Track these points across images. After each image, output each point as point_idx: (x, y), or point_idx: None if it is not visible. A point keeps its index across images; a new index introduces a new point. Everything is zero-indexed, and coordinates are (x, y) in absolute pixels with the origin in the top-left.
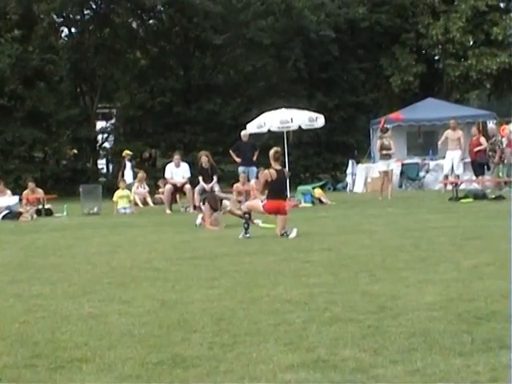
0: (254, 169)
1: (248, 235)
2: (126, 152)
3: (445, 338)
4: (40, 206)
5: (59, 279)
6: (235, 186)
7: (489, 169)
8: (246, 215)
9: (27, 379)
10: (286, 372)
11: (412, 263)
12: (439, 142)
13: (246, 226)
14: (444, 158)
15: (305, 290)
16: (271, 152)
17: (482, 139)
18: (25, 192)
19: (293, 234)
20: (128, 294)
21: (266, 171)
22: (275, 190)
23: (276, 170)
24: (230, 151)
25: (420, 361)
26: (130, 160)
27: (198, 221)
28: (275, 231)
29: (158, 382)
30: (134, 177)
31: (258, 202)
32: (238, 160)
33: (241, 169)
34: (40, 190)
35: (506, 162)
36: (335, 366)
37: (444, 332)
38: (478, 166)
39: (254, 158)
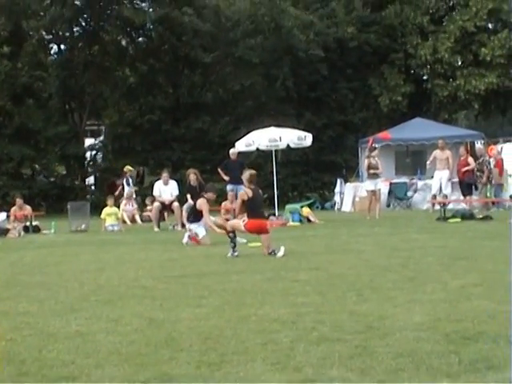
0: (243, 187)
1: (236, 253)
2: (128, 168)
3: (432, 358)
4: (28, 223)
5: (46, 297)
6: (223, 204)
7: (476, 189)
8: (231, 234)
9: None
10: None
11: (400, 283)
12: (428, 162)
13: (232, 244)
14: (432, 177)
15: (292, 309)
16: (247, 175)
17: (470, 159)
18: (13, 208)
19: (280, 253)
20: (115, 312)
21: (242, 191)
22: (254, 209)
23: (252, 189)
24: (218, 169)
25: (407, 381)
26: (131, 176)
27: (185, 240)
28: (262, 250)
29: None
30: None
31: (239, 222)
32: (226, 178)
33: (229, 187)
34: (28, 207)
35: (493, 182)
36: None
37: (431, 352)
38: (466, 186)
39: (243, 177)
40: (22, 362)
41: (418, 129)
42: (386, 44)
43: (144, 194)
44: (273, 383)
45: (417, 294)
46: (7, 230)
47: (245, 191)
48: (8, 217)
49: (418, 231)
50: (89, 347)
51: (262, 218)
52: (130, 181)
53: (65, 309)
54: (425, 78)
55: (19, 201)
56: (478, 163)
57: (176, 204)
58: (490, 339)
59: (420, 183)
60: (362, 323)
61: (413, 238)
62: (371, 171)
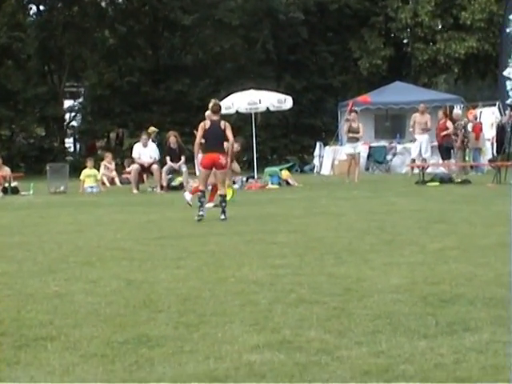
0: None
1: (201, 213)
2: (152, 129)
3: (409, 320)
4: (6, 184)
5: (24, 258)
6: None
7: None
8: (200, 193)
9: None
10: (251, 352)
11: (378, 246)
12: (410, 128)
13: (198, 203)
14: (411, 141)
15: (271, 271)
16: (210, 104)
17: (449, 123)
18: None
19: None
20: (94, 273)
21: (202, 122)
22: (209, 141)
23: (211, 120)
24: (194, 131)
25: (385, 343)
26: (156, 137)
27: (188, 197)
28: (219, 193)
29: (123, 361)
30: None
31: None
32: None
33: None
34: (7, 168)
35: (470, 146)
36: (300, 347)
37: (409, 314)
38: (445, 149)
39: None
40: (0, 322)
41: (397, 92)
42: (367, 7)
43: (123, 155)
44: (251, 344)
45: (394, 257)
46: None
47: (204, 122)
48: None
49: (396, 195)
50: (67, 308)
51: (218, 152)
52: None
53: (43, 270)
54: (405, 41)
55: None
56: (454, 127)
57: (155, 166)
58: (466, 302)
59: (399, 147)
60: (339, 285)
61: (391, 202)
62: (351, 135)
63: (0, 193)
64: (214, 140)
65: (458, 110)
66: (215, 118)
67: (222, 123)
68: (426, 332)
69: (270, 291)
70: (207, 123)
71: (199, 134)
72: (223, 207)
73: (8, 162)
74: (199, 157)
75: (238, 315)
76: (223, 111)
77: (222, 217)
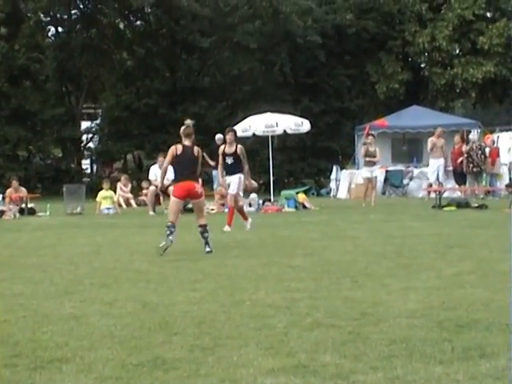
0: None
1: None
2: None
3: (425, 345)
4: (23, 205)
5: (41, 279)
6: (218, 189)
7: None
8: (169, 223)
9: (7, 378)
10: (266, 376)
11: (394, 270)
12: (428, 149)
13: (168, 232)
14: (428, 165)
15: (287, 294)
16: (182, 128)
17: (464, 147)
18: (8, 190)
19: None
20: (110, 295)
21: (173, 146)
22: (182, 169)
23: (183, 146)
24: (204, 155)
25: (400, 368)
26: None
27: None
28: (200, 223)
29: (138, 383)
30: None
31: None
32: (211, 163)
33: (215, 172)
34: (23, 189)
35: (487, 171)
36: (315, 371)
37: (425, 340)
38: (459, 175)
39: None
40: (15, 343)
41: (414, 116)
42: (384, 31)
43: (140, 177)
44: (266, 368)
45: (411, 282)
46: (2, 212)
47: (175, 147)
48: (3, 198)
49: (413, 219)
50: (82, 330)
51: (192, 180)
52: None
53: (59, 291)
54: (422, 65)
55: (15, 183)
56: (466, 152)
57: (172, 188)
58: (483, 327)
59: (416, 171)
60: (355, 309)
61: (408, 226)
62: (368, 158)
63: (17, 213)
64: (187, 167)
65: (473, 135)
66: (187, 143)
67: (196, 149)
68: (442, 357)
69: (286, 315)
70: (179, 148)
71: (167, 159)
72: (206, 238)
73: (25, 183)
74: (165, 183)
75: (254, 339)
76: (240, 134)
77: (207, 249)
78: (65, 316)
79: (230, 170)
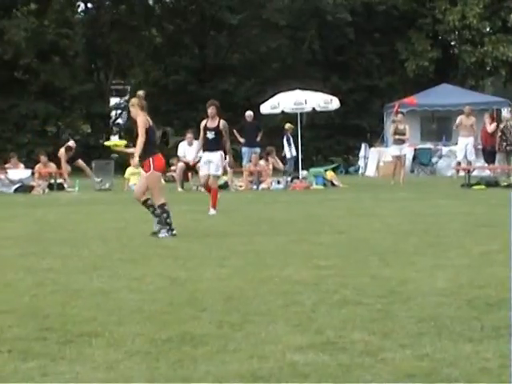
0: (258, 149)
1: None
2: (289, 125)
3: (454, 323)
4: (52, 181)
5: (70, 254)
6: (248, 165)
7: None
8: (165, 207)
9: (37, 352)
10: (294, 353)
11: (422, 248)
12: (454, 127)
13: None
14: (456, 144)
15: (315, 271)
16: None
17: (493, 125)
18: (37, 166)
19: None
20: (138, 270)
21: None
22: (155, 143)
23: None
24: (234, 131)
25: (429, 346)
26: (291, 134)
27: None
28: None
29: (166, 358)
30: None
31: (145, 177)
32: (241, 140)
33: (244, 149)
34: (52, 165)
35: None
36: (344, 348)
37: (454, 318)
38: (489, 153)
39: (258, 139)
40: (45, 317)
41: (444, 95)
42: (414, 9)
43: (169, 154)
44: (295, 344)
45: (439, 260)
46: (32, 187)
47: (146, 119)
48: (33, 174)
49: (442, 197)
50: (111, 305)
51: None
52: (291, 140)
53: (88, 266)
54: (452, 43)
55: (43, 158)
56: (500, 130)
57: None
58: None
59: (445, 149)
60: (384, 287)
61: (436, 204)
62: (397, 136)
63: (46, 189)
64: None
65: (507, 113)
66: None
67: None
68: (471, 336)
69: (314, 292)
70: (150, 120)
71: (143, 132)
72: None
73: (54, 159)
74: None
75: (282, 315)
76: (269, 111)
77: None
78: (93, 291)
79: (211, 146)
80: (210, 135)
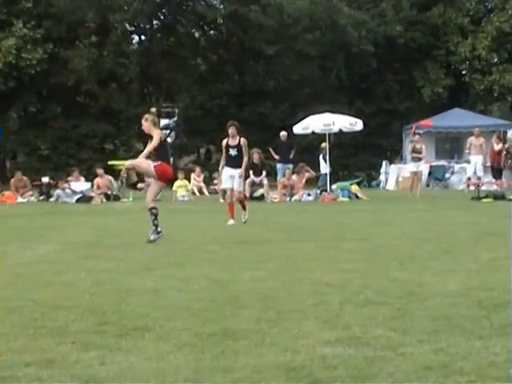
0: (290, 165)
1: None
2: (324, 144)
3: (466, 322)
4: (109, 192)
5: (125, 257)
6: (282, 180)
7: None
8: (154, 210)
9: (96, 343)
10: (324, 347)
11: (436, 254)
12: (466, 150)
13: (156, 222)
14: (467, 161)
15: (341, 274)
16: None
17: (500, 145)
18: (96, 179)
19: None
20: (185, 272)
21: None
22: (166, 153)
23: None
24: (269, 149)
25: (444, 341)
26: (325, 152)
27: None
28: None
29: (210, 351)
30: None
31: (149, 163)
32: (276, 157)
33: (278, 165)
34: (110, 177)
35: None
36: (368, 343)
37: (465, 316)
38: (496, 170)
39: (291, 156)
40: (103, 313)
41: (456, 118)
42: (430, 41)
43: (211, 168)
44: (324, 339)
45: (452, 265)
46: (91, 198)
47: (161, 132)
48: (92, 186)
49: (454, 209)
50: (161, 302)
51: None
52: (326, 157)
53: (141, 268)
54: (464, 72)
55: (100, 171)
56: (506, 149)
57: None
58: None
59: (457, 166)
60: (402, 289)
61: (449, 215)
62: (414, 154)
63: (103, 199)
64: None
65: (511, 135)
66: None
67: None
68: (481, 333)
69: (341, 292)
70: (163, 134)
71: (157, 144)
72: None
73: (111, 173)
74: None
75: (313, 313)
76: (300, 131)
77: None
78: (146, 290)
79: (234, 163)
80: (233, 152)
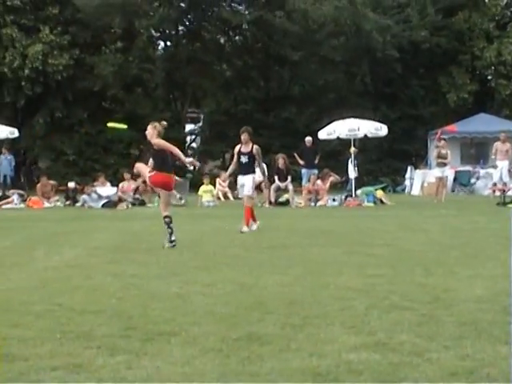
0: (315, 171)
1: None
2: (353, 149)
3: (492, 327)
4: (135, 197)
5: (151, 262)
6: (306, 185)
7: None
8: (167, 219)
9: (122, 348)
10: (349, 352)
11: (462, 260)
12: (492, 155)
13: (169, 230)
14: (493, 166)
15: (366, 279)
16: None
17: None
18: (121, 184)
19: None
20: (210, 277)
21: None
22: (162, 162)
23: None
24: (295, 154)
25: (470, 347)
26: (354, 157)
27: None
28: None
29: (236, 356)
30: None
31: (145, 170)
32: (301, 162)
33: (303, 170)
34: (135, 183)
35: None
36: (393, 348)
37: (492, 322)
38: None
39: (316, 162)
40: (129, 317)
41: (481, 123)
42: (455, 47)
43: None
44: (349, 345)
45: (478, 270)
46: (117, 203)
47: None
48: (118, 191)
49: (479, 214)
50: (187, 307)
51: (169, 174)
52: (355, 162)
53: (166, 273)
54: (489, 77)
55: (127, 175)
56: None
57: (265, 184)
58: None
59: (482, 171)
60: (428, 294)
61: (475, 220)
62: (439, 160)
63: (129, 204)
64: (167, 162)
65: None
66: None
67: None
68: (508, 338)
69: (366, 298)
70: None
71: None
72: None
73: (136, 178)
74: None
75: (338, 318)
76: (325, 137)
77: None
78: (171, 295)
79: (244, 170)
80: (244, 159)
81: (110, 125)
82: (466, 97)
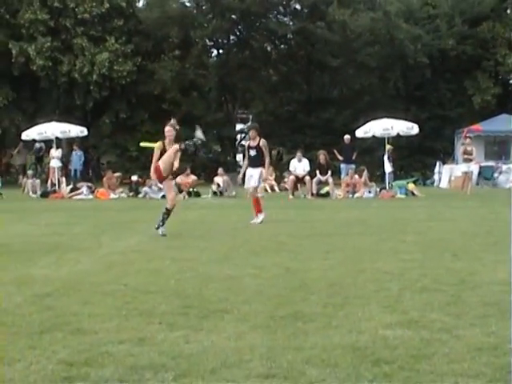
0: (353, 166)
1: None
2: (389, 146)
3: None
4: (191, 189)
5: (205, 247)
6: (345, 178)
7: None
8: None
9: (181, 324)
10: (385, 329)
11: (486, 246)
12: None
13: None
14: None
15: (400, 264)
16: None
17: None
18: (179, 176)
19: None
20: (259, 261)
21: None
22: (165, 158)
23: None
24: (334, 151)
25: (494, 325)
26: (391, 153)
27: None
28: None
29: (283, 331)
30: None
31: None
32: (340, 158)
33: (342, 165)
34: (193, 176)
35: None
36: (425, 326)
37: None
38: None
39: (353, 157)
40: (186, 297)
41: (504, 123)
42: (480, 54)
43: (282, 168)
44: (385, 322)
45: (501, 256)
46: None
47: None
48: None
49: (501, 205)
50: (238, 288)
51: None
52: (391, 158)
53: (220, 257)
54: (511, 82)
55: (187, 170)
56: None
57: (307, 178)
58: None
59: (504, 167)
60: (456, 277)
61: (497, 211)
62: (465, 156)
63: (186, 195)
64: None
65: None
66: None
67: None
68: None
69: (400, 280)
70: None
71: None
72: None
73: (192, 172)
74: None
75: (375, 299)
76: (362, 135)
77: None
78: (224, 276)
79: (253, 163)
80: (252, 153)
81: (142, 144)
82: (490, 99)
